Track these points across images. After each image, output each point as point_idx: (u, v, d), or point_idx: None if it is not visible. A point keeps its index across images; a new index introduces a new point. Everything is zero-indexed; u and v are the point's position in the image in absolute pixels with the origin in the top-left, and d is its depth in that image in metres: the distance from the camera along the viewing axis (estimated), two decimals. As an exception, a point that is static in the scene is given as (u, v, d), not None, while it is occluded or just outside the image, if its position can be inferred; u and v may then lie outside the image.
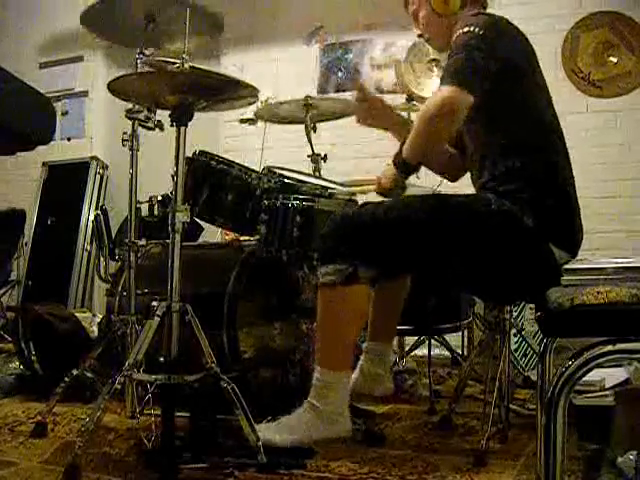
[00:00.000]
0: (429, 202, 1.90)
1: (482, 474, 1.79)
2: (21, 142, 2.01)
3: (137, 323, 2.26)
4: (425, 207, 1.86)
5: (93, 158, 4.80)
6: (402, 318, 2.20)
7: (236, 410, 1.77)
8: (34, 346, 2.73)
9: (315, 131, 2.99)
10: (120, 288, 2.51)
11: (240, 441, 1.79)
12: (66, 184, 4.80)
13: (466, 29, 1.81)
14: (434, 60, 3.07)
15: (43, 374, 2.67)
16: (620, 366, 2.21)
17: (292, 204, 2.15)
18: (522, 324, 2.90)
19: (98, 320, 3.03)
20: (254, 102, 2.09)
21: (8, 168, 4.98)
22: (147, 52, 2.30)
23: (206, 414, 2.05)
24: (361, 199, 2.11)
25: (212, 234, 3.58)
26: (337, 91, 4.42)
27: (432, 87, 3.03)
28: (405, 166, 1.86)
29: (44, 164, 4.87)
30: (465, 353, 3.29)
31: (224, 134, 4.60)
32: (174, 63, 2.24)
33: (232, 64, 4.60)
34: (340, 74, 4.45)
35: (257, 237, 2.24)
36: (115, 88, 1.88)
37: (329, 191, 2.23)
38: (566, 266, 1.81)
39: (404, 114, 2.95)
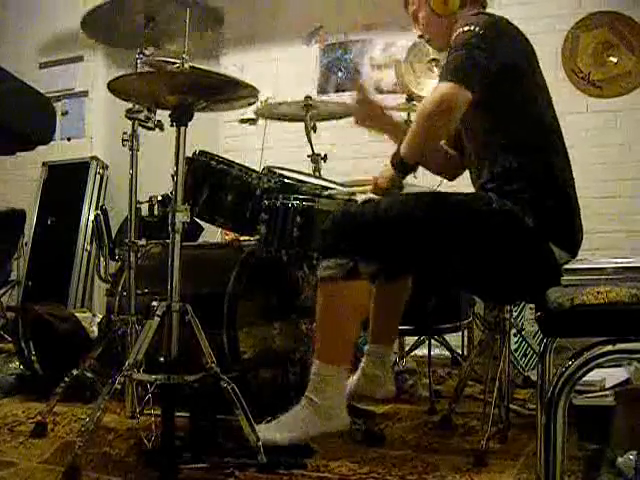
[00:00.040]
0: (430, 199, 1.90)
1: (482, 474, 1.79)
2: (21, 142, 2.00)
3: (137, 323, 2.26)
4: (426, 204, 1.86)
5: (93, 158, 4.79)
6: (402, 318, 2.20)
7: (236, 410, 1.77)
8: (34, 346, 2.73)
9: (315, 131, 2.99)
10: (120, 288, 2.51)
11: (240, 441, 1.79)
12: (66, 184, 4.80)
13: (466, 28, 1.81)
14: (434, 60, 3.07)
15: (43, 374, 2.67)
16: (620, 366, 2.21)
17: (292, 204, 2.15)
18: (522, 324, 2.90)
19: (98, 320, 3.03)
20: (254, 102, 2.09)
21: (8, 168, 4.98)
22: (147, 52, 2.30)
23: (206, 414, 2.05)
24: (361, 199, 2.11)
25: (212, 234, 3.58)
26: (337, 91, 4.42)
27: (432, 87, 3.02)
28: (403, 166, 1.86)
29: (44, 164, 4.87)
30: (465, 353, 3.29)
31: (224, 134, 4.60)
32: (174, 63, 2.24)
33: (232, 64, 4.60)
34: (340, 74, 4.45)
35: (257, 237, 2.24)
36: (115, 88, 1.88)
37: (329, 191, 2.23)
38: (566, 266, 1.81)
39: (404, 114, 2.95)
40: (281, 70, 4.44)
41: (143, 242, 2.36)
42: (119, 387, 1.80)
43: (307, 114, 2.89)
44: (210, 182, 2.29)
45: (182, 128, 1.90)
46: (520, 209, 1.78)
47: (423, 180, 2.41)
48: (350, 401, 2.04)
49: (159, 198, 2.73)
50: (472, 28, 1.80)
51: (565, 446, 1.20)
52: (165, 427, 1.76)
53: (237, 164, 2.33)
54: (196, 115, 1.93)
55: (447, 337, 3.11)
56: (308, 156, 2.95)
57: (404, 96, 3.15)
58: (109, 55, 4.86)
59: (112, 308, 2.54)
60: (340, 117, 3.01)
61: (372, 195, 1.91)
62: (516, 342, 2.85)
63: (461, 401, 2.39)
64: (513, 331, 2.74)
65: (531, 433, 2.02)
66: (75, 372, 2.21)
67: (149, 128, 2.33)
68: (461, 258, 1.82)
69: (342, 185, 2.34)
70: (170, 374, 1.78)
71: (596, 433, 1.92)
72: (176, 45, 2.32)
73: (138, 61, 2.29)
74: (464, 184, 2.11)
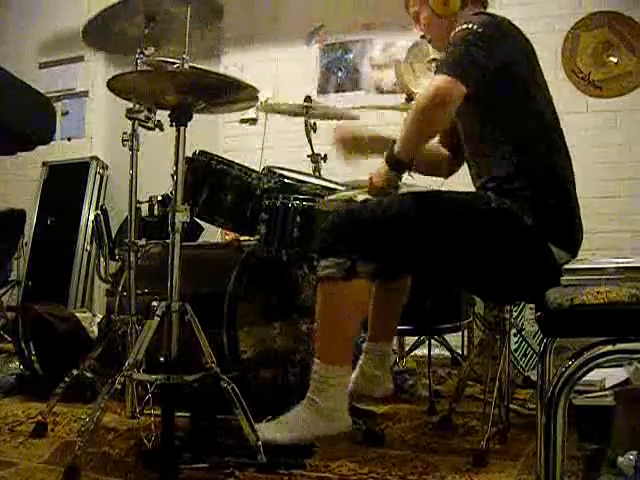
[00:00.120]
0: (429, 199, 1.90)
1: (482, 474, 1.79)
2: (21, 142, 2.00)
3: (137, 323, 2.26)
4: (425, 204, 1.85)
5: (93, 158, 4.79)
6: (402, 318, 2.20)
7: (236, 410, 1.77)
8: (34, 346, 2.73)
9: (315, 131, 2.99)
10: (120, 288, 2.51)
11: (240, 441, 1.79)
12: (66, 184, 4.79)
13: (464, 26, 1.82)
14: (434, 60, 3.06)
15: (43, 374, 2.67)
16: (620, 366, 2.21)
17: (292, 204, 2.15)
18: (522, 324, 2.90)
19: (98, 320, 3.03)
20: (253, 105, 2.09)
21: (8, 168, 4.98)
22: (147, 52, 2.30)
23: (206, 414, 2.05)
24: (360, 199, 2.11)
25: (212, 234, 3.57)
26: (337, 91, 4.42)
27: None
28: (398, 164, 1.84)
29: (44, 164, 4.87)
30: (465, 353, 3.29)
31: (224, 134, 4.60)
32: (174, 63, 2.24)
33: (232, 64, 4.60)
34: (340, 74, 4.45)
35: (257, 237, 2.24)
36: (115, 86, 1.88)
37: (331, 196, 2.23)
38: (566, 266, 1.80)
39: (404, 114, 2.95)
40: (281, 70, 4.44)
41: (143, 242, 2.36)
42: (119, 387, 1.80)
43: (307, 115, 2.89)
44: (210, 182, 2.29)
45: (182, 128, 1.90)
46: (519, 208, 1.78)
47: (424, 180, 2.42)
48: (349, 400, 2.04)
49: (159, 198, 2.73)
50: (470, 26, 1.80)
51: (565, 446, 1.20)
52: (165, 427, 1.76)
53: (237, 164, 2.33)
54: (196, 115, 1.93)
55: (447, 337, 3.11)
56: (308, 156, 2.95)
57: (404, 96, 3.15)
58: (109, 55, 4.86)
59: (112, 308, 2.54)
60: (340, 117, 3.01)
61: (371, 198, 1.91)
62: (516, 342, 2.85)
63: (461, 401, 2.39)
64: (513, 331, 2.74)
65: (531, 433, 2.02)
66: (75, 372, 2.21)
67: (149, 128, 2.32)
68: (460, 257, 1.82)
69: (342, 185, 2.34)
70: (170, 374, 1.78)
71: (596, 433, 1.92)
72: (176, 45, 2.32)
73: (138, 61, 2.29)
74: (464, 184, 2.10)
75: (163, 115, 2.05)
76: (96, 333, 2.90)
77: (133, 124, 2.32)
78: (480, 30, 1.79)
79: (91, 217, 4.54)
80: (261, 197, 2.24)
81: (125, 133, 2.34)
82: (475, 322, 3.05)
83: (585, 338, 1.21)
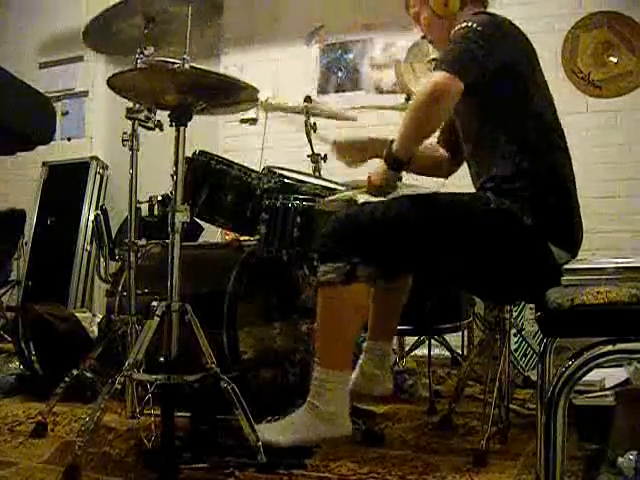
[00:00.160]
0: (428, 201, 1.89)
1: (482, 474, 1.79)
2: (21, 142, 2.00)
3: (137, 323, 2.26)
4: (424, 206, 1.85)
5: (93, 158, 4.79)
6: (402, 318, 2.20)
7: (236, 410, 1.77)
8: (34, 346, 2.73)
9: (315, 131, 2.99)
10: (120, 288, 2.51)
11: (240, 441, 1.79)
12: (66, 184, 4.79)
13: (464, 24, 1.82)
14: (434, 60, 3.06)
15: (43, 374, 2.67)
16: (620, 366, 2.21)
17: (292, 204, 2.15)
18: (522, 324, 2.90)
19: (98, 320, 3.03)
20: (253, 106, 2.08)
21: (8, 168, 4.98)
22: (147, 52, 2.30)
23: (206, 414, 2.05)
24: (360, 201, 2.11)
25: (212, 234, 3.57)
26: (337, 91, 4.42)
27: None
28: (396, 162, 1.84)
29: (44, 164, 4.87)
30: (465, 353, 3.29)
31: (224, 134, 4.60)
32: (174, 63, 2.24)
33: (232, 64, 4.60)
34: (340, 74, 4.45)
35: (257, 237, 2.24)
36: (115, 85, 1.88)
37: (332, 197, 2.23)
38: (566, 266, 1.80)
39: (404, 114, 2.95)
40: (281, 70, 4.44)
41: (143, 242, 2.36)
42: (119, 387, 1.80)
43: (307, 115, 2.89)
44: (210, 182, 2.29)
45: (182, 128, 1.90)
46: (519, 208, 1.77)
47: (424, 181, 2.42)
48: (350, 399, 2.04)
49: (159, 198, 2.73)
50: (470, 24, 1.80)
51: (565, 446, 1.20)
52: (165, 427, 1.76)
53: (237, 164, 2.33)
54: (196, 115, 1.93)
55: (447, 337, 3.11)
56: (308, 156, 2.95)
57: (404, 96, 3.15)
58: (109, 55, 4.86)
59: (112, 308, 2.54)
60: (340, 118, 3.01)
61: (371, 198, 1.91)
62: (516, 342, 2.85)
63: (461, 401, 2.39)
64: (513, 331, 2.74)
65: (531, 433, 2.02)
66: (75, 372, 2.21)
67: (149, 128, 2.32)
68: (460, 259, 1.81)
69: (342, 185, 2.34)
70: (170, 374, 1.78)
71: (596, 433, 1.92)
72: (176, 46, 2.32)
73: (138, 61, 2.29)
74: (464, 184, 2.10)
75: (163, 115, 2.05)
76: (96, 333, 2.90)
77: (133, 124, 2.32)
78: (480, 29, 1.79)
79: (91, 217, 4.54)
80: (261, 197, 2.24)
81: (125, 133, 2.34)
82: (475, 322, 3.05)
83: (585, 338, 1.21)
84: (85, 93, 5.01)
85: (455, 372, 3.14)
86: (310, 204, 2.15)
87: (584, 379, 1.20)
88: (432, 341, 2.87)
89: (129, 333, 2.27)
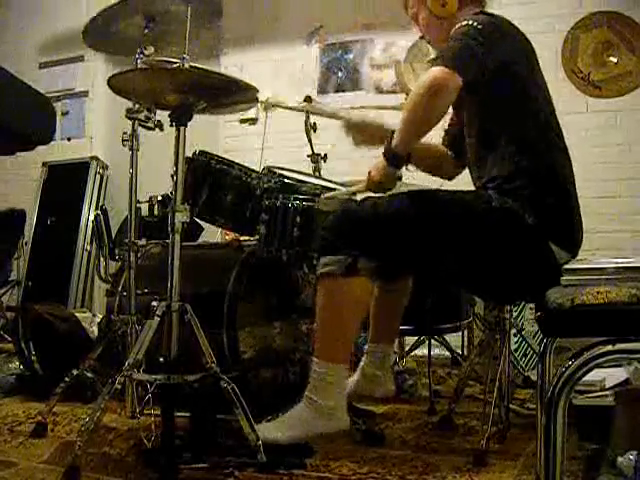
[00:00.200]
0: (430, 198, 1.90)
1: (482, 474, 1.79)
2: (21, 142, 2.01)
3: (137, 323, 2.26)
4: (426, 202, 1.85)
5: (93, 158, 4.79)
6: (402, 318, 2.20)
7: (236, 410, 1.77)
8: (34, 346, 2.73)
9: (315, 131, 2.98)
10: (120, 288, 2.51)
11: (240, 441, 1.79)
12: (66, 184, 4.79)
13: (464, 23, 1.82)
14: (434, 59, 3.07)
15: (43, 374, 2.67)
16: (620, 366, 2.21)
17: (292, 204, 2.15)
18: (522, 324, 2.90)
19: (98, 320, 3.02)
20: (253, 106, 2.08)
21: (8, 168, 4.98)
22: (147, 52, 2.30)
23: (206, 414, 2.05)
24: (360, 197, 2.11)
25: (212, 234, 3.57)
26: (337, 91, 4.42)
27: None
28: (395, 158, 1.84)
29: (44, 164, 4.87)
30: (465, 353, 3.29)
31: (224, 134, 4.60)
32: (174, 63, 2.24)
33: (232, 64, 4.60)
34: (340, 74, 4.45)
35: (257, 237, 2.24)
36: (115, 85, 1.88)
37: (329, 193, 2.23)
38: (566, 266, 1.80)
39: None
40: (281, 70, 4.44)
41: (143, 242, 2.36)
42: (119, 387, 1.80)
43: (307, 114, 2.89)
44: (210, 182, 2.29)
45: (182, 128, 1.90)
46: (520, 207, 1.77)
47: (424, 181, 2.42)
48: (350, 401, 2.04)
49: (159, 198, 2.73)
50: (470, 23, 1.81)
51: (565, 446, 1.20)
52: (165, 427, 1.77)
53: (237, 164, 2.33)
54: (196, 115, 1.93)
55: (447, 337, 3.10)
56: (308, 156, 2.95)
57: (404, 96, 3.15)
58: (109, 56, 4.86)
59: (112, 308, 2.54)
60: (340, 117, 3.01)
61: (371, 193, 1.91)
62: (516, 342, 2.85)
63: (461, 401, 2.39)
64: (513, 331, 2.74)
65: (531, 433, 2.02)
66: (75, 372, 2.21)
67: (149, 128, 2.32)
68: (461, 256, 1.81)
69: (342, 185, 2.34)
70: (170, 374, 1.78)
71: (596, 433, 1.92)
72: (176, 46, 2.32)
73: (138, 61, 2.29)
74: (465, 183, 2.10)
75: (163, 115, 2.05)
76: (96, 333, 2.90)
77: (133, 124, 2.32)
78: (480, 27, 1.79)
79: (91, 217, 4.54)
80: (261, 197, 2.23)
81: (125, 133, 2.34)
82: (475, 322, 3.05)
83: (585, 338, 1.21)
84: (85, 93, 5.01)
85: (455, 372, 3.13)
86: (310, 204, 2.15)
87: (584, 379, 1.20)
88: (432, 341, 2.87)
89: (129, 333, 2.27)
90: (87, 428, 1.72)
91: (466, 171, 2.11)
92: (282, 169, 2.39)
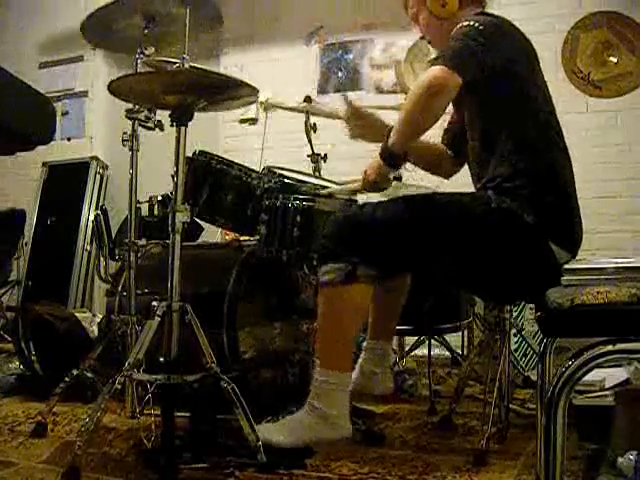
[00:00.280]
0: (429, 201, 1.89)
1: (482, 474, 1.79)
2: (21, 142, 2.00)
3: (137, 323, 2.26)
4: (425, 206, 1.85)
5: (93, 158, 4.80)
6: (402, 318, 2.20)
7: (236, 410, 1.77)
8: (34, 346, 2.73)
9: (315, 131, 2.99)
10: (120, 288, 2.51)
11: (240, 441, 1.79)
12: (66, 184, 4.80)
13: (465, 23, 1.82)
14: (434, 59, 3.07)
15: (43, 374, 2.67)
16: (620, 366, 2.21)
17: (292, 204, 2.15)
18: (522, 324, 2.90)
19: (98, 320, 3.03)
20: (253, 102, 2.08)
21: (8, 168, 4.98)
22: (147, 52, 2.30)
23: (206, 414, 2.05)
24: (361, 199, 2.11)
25: (212, 234, 3.58)
26: (337, 91, 4.42)
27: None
28: (392, 157, 1.84)
29: (44, 164, 4.87)
30: (465, 353, 3.29)
31: (224, 134, 4.60)
32: (174, 63, 2.24)
33: (232, 64, 4.60)
34: (340, 74, 4.45)
35: (257, 237, 2.24)
36: (115, 89, 1.88)
37: (328, 189, 2.23)
38: (566, 266, 1.80)
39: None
40: (281, 70, 4.44)
41: (143, 242, 2.36)
42: (119, 387, 1.80)
43: (307, 114, 2.89)
44: (210, 182, 2.29)
45: (182, 128, 1.90)
46: (519, 206, 1.78)
47: (423, 180, 2.42)
48: (349, 399, 2.04)
49: (159, 198, 2.73)
50: (472, 23, 1.81)
51: (565, 446, 1.20)
52: (165, 427, 1.76)
53: (237, 164, 2.33)
54: (196, 115, 1.93)
55: (447, 337, 3.11)
56: (308, 156, 2.95)
57: (404, 96, 3.15)
58: (109, 55, 4.85)
59: (112, 308, 2.54)
60: (340, 117, 3.01)
61: (372, 196, 1.91)
62: (516, 342, 2.85)
63: (461, 401, 2.39)
64: (513, 331, 2.74)
65: (531, 433, 2.02)
66: (75, 372, 2.21)
67: (149, 128, 2.33)
68: (462, 258, 1.81)
69: (341, 185, 2.34)
70: (170, 374, 1.78)
71: (596, 433, 1.92)
72: (176, 46, 2.32)
73: (138, 61, 2.29)
74: (464, 184, 2.10)
75: (163, 115, 2.05)
76: (96, 333, 2.90)
77: (133, 124, 2.33)
78: (482, 28, 1.79)
79: (91, 217, 4.54)
80: (261, 197, 2.23)
81: (125, 133, 2.34)
82: (475, 322, 3.05)
83: (585, 338, 1.21)
84: (85, 93, 5.01)
85: (455, 372, 3.13)
86: (310, 204, 2.15)
87: (584, 379, 1.20)
88: (432, 341, 2.87)
89: (129, 333, 2.27)
90: (87, 428, 1.72)
91: (466, 172, 2.11)
92: (282, 169, 2.39)
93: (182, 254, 1.86)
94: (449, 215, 1.83)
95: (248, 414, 1.78)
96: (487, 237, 1.80)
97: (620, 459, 1.66)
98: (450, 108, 2.01)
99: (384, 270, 1.87)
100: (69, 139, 4.97)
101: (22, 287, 4.44)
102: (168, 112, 1.92)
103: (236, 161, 2.35)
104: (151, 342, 1.81)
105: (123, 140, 2.35)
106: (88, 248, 4.54)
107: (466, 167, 2.12)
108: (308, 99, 2.88)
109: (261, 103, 2.89)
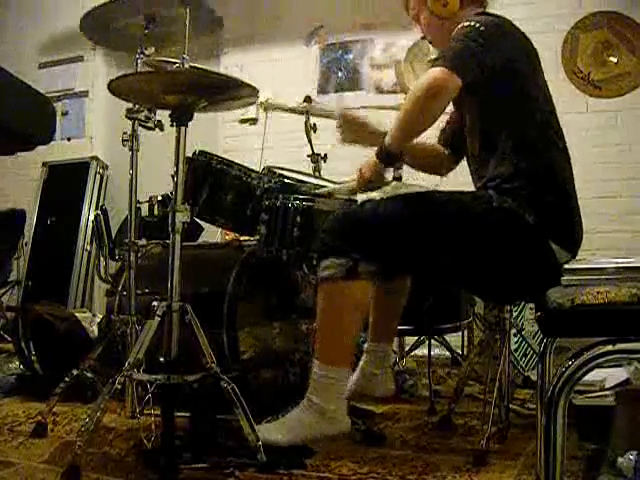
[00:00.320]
0: (429, 199, 1.89)
1: (482, 474, 1.79)
2: (21, 142, 2.00)
3: (137, 323, 2.26)
4: (425, 204, 1.85)
5: (93, 158, 4.80)
6: (402, 318, 2.20)
7: (236, 410, 1.77)
8: (34, 346, 2.73)
9: (315, 131, 2.99)
10: (120, 288, 2.51)
11: (240, 441, 1.79)
12: (66, 184, 4.80)
13: (466, 23, 1.82)
14: (435, 60, 3.07)
15: (43, 374, 2.67)
16: (620, 366, 2.21)
17: (292, 204, 2.15)
18: (522, 324, 2.90)
19: (98, 320, 3.03)
20: (253, 102, 2.08)
21: (8, 167, 4.98)
22: (147, 52, 2.30)
23: (206, 414, 2.05)
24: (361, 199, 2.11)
25: (212, 234, 3.58)
26: (337, 91, 4.42)
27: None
28: (388, 156, 1.84)
29: (44, 164, 4.87)
30: (465, 353, 3.29)
31: (224, 134, 4.60)
32: (174, 63, 2.24)
33: (232, 64, 4.60)
34: (340, 74, 4.45)
35: (257, 237, 2.24)
36: (115, 89, 1.88)
37: (327, 189, 2.23)
38: (566, 266, 1.81)
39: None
40: (281, 70, 4.44)
41: (143, 242, 2.36)
42: (119, 387, 1.80)
43: (307, 114, 2.89)
44: (210, 182, 2.29)
45: (182, 128, 1.90)
46: (520, 206, 1.78)
47: (422, 180, 2.42)
48: (350, 400, 2.04)
49: (159, 198, 2.73)
50: (472, 24, 1.81)
51: (565, 446, 1.20)
52: (165, 427, 1.76)
53: (237, 164, 2.33)
54: (196, 115, 1.93)
55: (447, 337, 3.11)
56: (308, 156, 2.95)
57: (404, 96, 3.15)
58: (109, 55, 4.86)
59: (112, 308, 2.54)
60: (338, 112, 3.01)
61: (373, 194, 1.91)
62: (516, 342, 2.85)
63: (461, 401, 2.39)
64: (513, 331, 2.74)
65: (531, 433, 2.02)
66: (75, 372, 2.21)
67: (149, 128, 2.33)
68: (462, 257, 1.81)
69: (340, 185, 2.34)
70: (170, 374, 1.78)
71: (596, 433, 1.92)
72: (176, 46, 2.32)
73: (138, 61, 2.29)
74: (464, 183, 2.10)
75: (163, 115, 2.05)
76: (96, 333, 2.90)
77: (133, 124, 2.33)
78: (482, 28, 1.79)
79: (91, 217, 4.55)
80: (261, 197, 2.23)
81: (125, 133, 2.34)
82: (475, 322, 3.05)
83: (585, 338, 1.21)
84: (85, 93, 5.01)
85: (455, 372, 3.13)
86: (310, 204, 2.15)
87: (584, 379, 1.20)
88: (432, 341, 2.87)
89: (129, 333, 2.27)
90: (87, 428, 1.72)
91: (466, 172, 2.11)
92: (282, 169, 2.39)
93: (182, 254, 1.86)
94: (450, 213, 1.83)
95: (248, 414, 1.77)
96: (488, 236, 1.80)
97: (620, 459, 1.66)
98: (450, 108, 2.01)
99: (384, 267, 1.87)
100: (69, 139, 4.97)
101: (22, 287, 4.44)
102: (168, 112, 1.92)
103: (236, 161, 2.35)
104: (151, 342, 1.81)
105: (123, 140, 2.35)
106: (88, 248, 4.54)
107: (466, 167, 2.12)
108: (308, 99, 2.88)
109: (261, 103, 2.88)
